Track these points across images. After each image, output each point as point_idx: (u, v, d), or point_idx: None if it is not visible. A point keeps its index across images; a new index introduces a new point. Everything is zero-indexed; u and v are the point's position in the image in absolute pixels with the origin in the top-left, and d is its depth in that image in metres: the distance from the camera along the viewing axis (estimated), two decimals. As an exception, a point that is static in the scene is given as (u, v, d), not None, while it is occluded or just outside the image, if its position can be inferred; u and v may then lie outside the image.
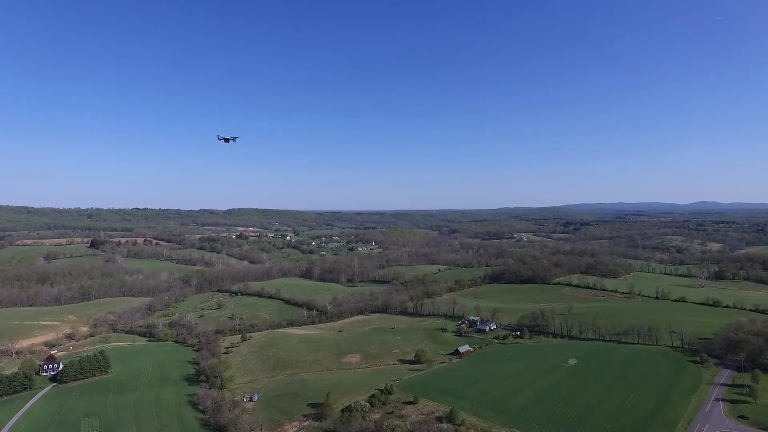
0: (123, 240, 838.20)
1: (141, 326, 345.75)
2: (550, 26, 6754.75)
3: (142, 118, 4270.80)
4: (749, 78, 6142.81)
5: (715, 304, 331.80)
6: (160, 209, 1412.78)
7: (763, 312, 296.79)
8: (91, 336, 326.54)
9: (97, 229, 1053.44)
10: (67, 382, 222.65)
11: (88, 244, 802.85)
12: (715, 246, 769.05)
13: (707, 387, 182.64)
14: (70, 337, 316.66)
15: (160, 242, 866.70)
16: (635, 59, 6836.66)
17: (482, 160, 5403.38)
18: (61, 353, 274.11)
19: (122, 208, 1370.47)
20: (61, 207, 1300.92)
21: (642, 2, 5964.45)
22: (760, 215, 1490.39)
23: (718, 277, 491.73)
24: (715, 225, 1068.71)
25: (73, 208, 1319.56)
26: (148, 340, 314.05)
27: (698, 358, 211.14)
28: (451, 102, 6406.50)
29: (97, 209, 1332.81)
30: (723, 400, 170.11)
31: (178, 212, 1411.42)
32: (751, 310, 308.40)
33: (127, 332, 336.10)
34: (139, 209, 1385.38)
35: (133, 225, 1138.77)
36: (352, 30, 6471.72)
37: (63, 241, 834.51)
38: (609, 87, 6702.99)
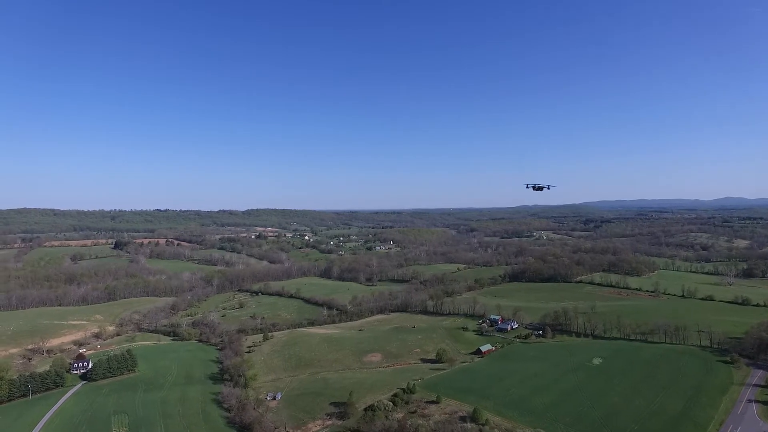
0: (146, 241, 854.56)
1: (165, 325, 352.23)
2: (569, 20, 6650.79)
3: (162, 120, 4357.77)
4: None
5: (745, 302, 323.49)
6: (180, 210, 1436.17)
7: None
8: (118, 335, 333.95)
9: (120, 230, 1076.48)
10: (96, 380, 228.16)
11: (113, 245, 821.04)
12: (742, 243, 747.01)
13: (739, 388, 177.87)
14: (97, 336, 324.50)
15: (182, 243, 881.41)
16: (656, 54, 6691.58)
17: (499, 158, 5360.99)
18: (90, 352, 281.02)
19: (144, 209, 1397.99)
20: (85, 209, 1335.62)
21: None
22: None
23: (747, 274, 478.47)
24: (742, 221, 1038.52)
25: (97, 209, 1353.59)
26: (172, 339, 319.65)
27: (728, 358, 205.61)
28: (466, 100, 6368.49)
29: (120, 211, 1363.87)
30: (756, 401, 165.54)
31: (198, 213, 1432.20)
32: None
33: (152, 331, 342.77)
34: (161, 210, 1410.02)
35: (155, 226, 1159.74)
36: (367, 29, 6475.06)
37: (88, 242, 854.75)
38: (629, 82, 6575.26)
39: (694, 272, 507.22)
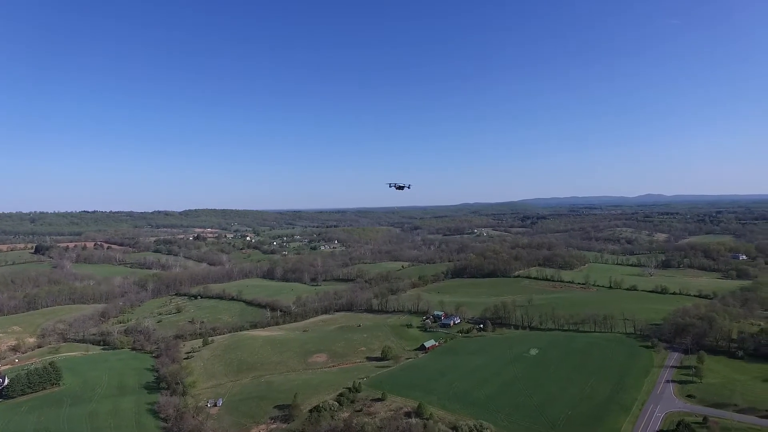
0: (71, 244, 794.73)
1: (94, 334, 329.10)
2: (504, 24, 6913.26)
3: (87, 115, 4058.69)
4: (690, 77, 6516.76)
5: (663, 291, 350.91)
6: (111, 211, 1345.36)
7: (705, 297, 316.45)
8: (39, 347, 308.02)
9: (42, 233, 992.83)
10: (14, 397, 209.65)
11: (33, 250, 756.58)
12: (661, 236, 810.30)
13: (658, 370, 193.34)
14: (15, 349, 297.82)
15: (112, 246, 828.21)
16: (583, 55, 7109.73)
17: (441, 157, 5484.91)
18: (6, 367, 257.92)
19: (69, 211, 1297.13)
20: (0, 211, 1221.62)
21: None
22: (701, 206, 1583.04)
23: (665, 265, 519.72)
24: (661, 216, 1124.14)
25: (14, 212, 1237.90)
26: (102, 349, 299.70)
27: (649, 343, 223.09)
28: (408, 100, 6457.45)
29: (41, 213, 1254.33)
30: (673, 381, 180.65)
31: (130, 214, 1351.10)
32: (695, 295, 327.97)
33: (79, 341, 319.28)
34: (88, 212, 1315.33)
35: (82, 228, 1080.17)
36: (304, 26, 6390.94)
37: (3, 247, 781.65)
38: (558, 84, 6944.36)
39: (620, 264, 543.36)
